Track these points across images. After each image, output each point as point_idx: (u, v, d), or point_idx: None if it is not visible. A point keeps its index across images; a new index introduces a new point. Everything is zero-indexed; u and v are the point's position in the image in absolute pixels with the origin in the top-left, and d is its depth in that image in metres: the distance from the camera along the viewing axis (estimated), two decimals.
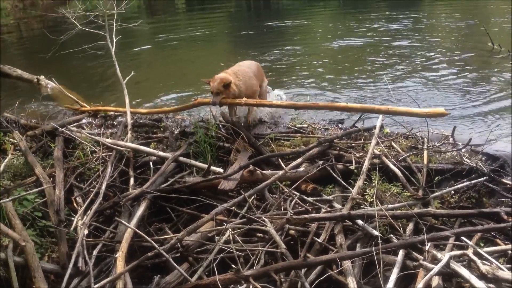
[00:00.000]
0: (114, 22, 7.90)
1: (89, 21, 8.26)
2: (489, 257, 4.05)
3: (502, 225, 4.48)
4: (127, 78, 7.50)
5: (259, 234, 4.93)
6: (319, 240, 4.66)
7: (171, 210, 5.54)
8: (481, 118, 7.73)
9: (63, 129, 6.68)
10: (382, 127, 6.27)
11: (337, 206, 5.12)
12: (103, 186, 5.59)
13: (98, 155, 6.20)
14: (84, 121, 7.42)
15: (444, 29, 15.84)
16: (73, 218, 5.30)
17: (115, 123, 7.40)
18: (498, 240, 4.58)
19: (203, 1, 31.12)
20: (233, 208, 5.06)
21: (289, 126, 7.09)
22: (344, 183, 5.44)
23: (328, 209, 5.09)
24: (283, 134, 6.70)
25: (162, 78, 11.79)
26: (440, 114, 5.37)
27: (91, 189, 5.71)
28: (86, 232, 5.00)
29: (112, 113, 7.45)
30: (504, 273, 3.77)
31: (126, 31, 8.26)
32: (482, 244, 4.54)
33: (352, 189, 5.23)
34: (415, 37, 14.79)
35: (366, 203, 5.08)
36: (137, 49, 15.41)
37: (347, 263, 4.24)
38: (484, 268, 3.83)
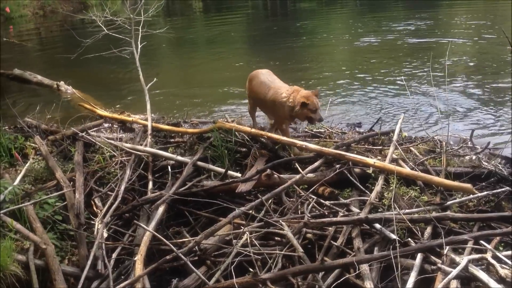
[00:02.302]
0: (140, 28, 7.97)
1: (110, 26, 8.34)
2: (508, 261, 4.03)
3: None
4: (149, 85, 7.55)
5: (276, 238, 4.93)
6: (336, 244, 4.66)
7: (189, 213, 5.58)
8: (499, 121, 7.67)
9: (83, 133, 6.77)
10: (400, 130, 6.25)
11: (355, 210, 5.11)
12: (122, 189, 5.65)
13: (117, 160, 6.27)
14: (104, 125, 7.50)
15: (463, 30, 15.73)
16: (93, 222, 5.37)
17: (135, 127, 7.47)
18: None
19: (220, 1, 31.25)
20: (251, 211, 5.08)
21: (306, 130, 7.10)
22: (362, 187, 5.43)
23: (346, 212, 5.08)
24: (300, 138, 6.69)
25: (181, 84, 11.90)
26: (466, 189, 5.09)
27: (111, 193, 5.77)
28: (105, 235, 5.07)
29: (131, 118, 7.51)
30: None
31: (148, 36, 8.30)
32: (501, 248, 4.49)
33: (370, 193, 5.22)
34: (433, 37, 14.74)
35: (383, 207, 5.06)
36: (157, 55, 15.59)
37: (364, 267, 4.23)
38: (503, 271, 3.81)
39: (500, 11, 19.95)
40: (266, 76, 6.68)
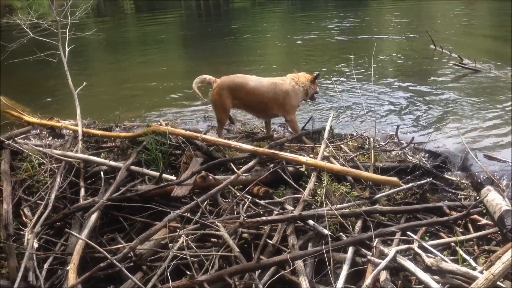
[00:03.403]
0: (67, 31, 7.76)
1: (36, 29, 8.08)
2: (434, 250, 4.23)
3: (445, 218, 4.67)
4: (78, 89, 7.37)
5: (213, 239, 4.95)
6: (271, 242, 4.72)
7: (124, 219, 5.48)
8: (423, 117, 8.02)
9: (10, 141, 6.53)
10: (331, 128, 6.43)
11: (289, 207, 5.20)
12: (52, 197, 5.51)
13: (47, 167, 6.10)
14: (33, 132, 7.26)
15: (389, 29, 16.33)
16: (22, 232, 5.19)
17: (65, 133, 7.29)
18: (442, 234, 4.78)
19: (152, 1, 30.86)
20: (186, 214, 5.06)
21: (240, 131, 7.16)
22: (295, 185, 5.54)
23: (280, 211, 5.16)
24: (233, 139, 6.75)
25: (113, 87, 11.68)
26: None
27: (40, 202, 5.61)
28: (36, 245, 4.92)
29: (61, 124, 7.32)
30: (448, 265, 3.93)
31: (76, 38, 8.09)
32: (427, 238, 4.72)
33: (303, 190, 5.33)
34: (361, 35, 15.21)
35: (316, 204, 5.19)
36: (87, 56, 15.21)
37: (299, 263, 4.31)
38: (428, 260, 3.98)
39: (424, 11, 20.88)
40: (253, 78, 6.73)
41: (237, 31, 19.35)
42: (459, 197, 5.34)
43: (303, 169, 5.70)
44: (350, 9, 21.55)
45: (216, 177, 5.68)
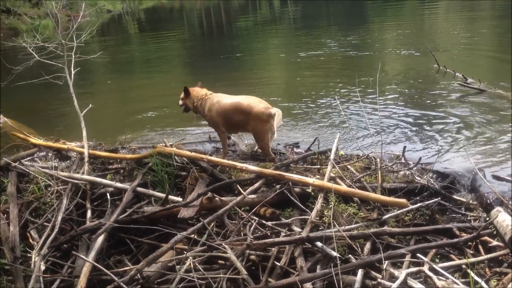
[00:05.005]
0: (73, 53, 7.82)
1: (42, 52, 8.14)
2: (445, 273, 4.19)
3: (455, 240, 4.65)
4: (84, 111, 7.38)
5: (220, 261, 4.92)
6: (279, 264, 4.69)
7: (130, 241, 5.47)
8: (429, 137, 8.01)
9: (16, 163, 6.54)
10: (336, 149, 6.42)
11: (296, 229, 5.18)
12: (59, 219, 5.49)
13: (53, 189, 6.09)
14: (39, 154, 7.27)
15: (393, 48, 16.43)
16: (29, 255, 5.18)
17: (71, 155, 7.29)
18: (452, 256, 4.74)
19: (155, 22, 31.11)
20: (193, 235, 5.05)
21: (244, 152, 7.16)
22: (302, 206, 5.52)
23: (288, 232, 5.13)
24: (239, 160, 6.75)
25: (118, 108, 11.73)
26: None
27: (47, 224, 5.59)
28: (43, 268, 4.89)
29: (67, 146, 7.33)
30: None
31: (81, 60, 8.15)
32: (437, 260, 4.68)
33: (310, 211, 5.31)
34: (365, 52, 15.31)
35: (324, 225, 5.15)
36: (92, 77, 15.32)
37: (308, 286, 4.28)
38: (440, 283, 3.95)
39: (427, 28, 21.02)
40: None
41: (240, 50, 19.50)
42: (468, 218, 5.30)
43: (309, 190, 5.69)
44: (352, 27, 21.74)
45: (223, 198, 5.67)
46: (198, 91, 7.14)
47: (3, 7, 32.82)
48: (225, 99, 6.93)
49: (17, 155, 6.88)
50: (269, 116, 6.48)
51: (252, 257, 4.91)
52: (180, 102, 7.33)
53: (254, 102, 6.63)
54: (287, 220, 5.34)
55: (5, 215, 5.60)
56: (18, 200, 5.96)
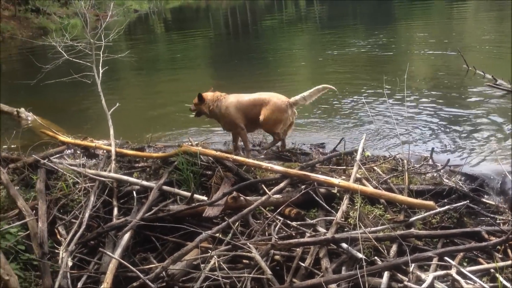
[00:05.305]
0: (101, 53, 7.92)
1: (71, 51, 8.26)
2: (473, 276, 4.13)
3: (484, 244, 4.55)
4: (112, 110, 7.46)
5: (244, 261, 4.92)
6: (304, 265, 4.67)
7: (156, 239, 5.51)
8: (458, 138, 7.89)
9: (45, 161, 6.65)
10: (363, 150, 6.37)
11: (321, 230, 5.15)
12: (86, 216, 5.57)
13: (81, 186, 6.18)
14: (67, 151, 7.38)
15: (420, 48, 16.22)
16: (57, 251, 5.26)
17: (98, 153, 7.39)
18: (480, 259, 4.65)
19: (181, 22, 31.35)
20: (218, 235, 5.07)
21: (271, 152, 7.16)
22: (327, 207, 5.49)
23: (313, 233, 5.11)
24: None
25: (145, 107, 11.83)
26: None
27: (75, 220, 5.67)
28: (70, 264, 4.96)
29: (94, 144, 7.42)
30: None
31: (109, 59, 8.25)
32: (465, 264, 4.60)
33: (336, 212, 5.28)
34: (393, 53, 15.14)
35: (349, 226, 5.12)
36: (119, 76, 15.49)
37: (333, 287, 4.26)
38: (467, 287, 3.88)
39: (455, 28, 20.70)
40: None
41: (265, 49, 19.49)
42: (497, 221, 5.20)
43: (335, 190, 5.65)
44: (379, 27, 21.53)
45: (247, 198, 5.67)
46: (212, 95, 7.24)
47: (33, 6, 33.44)
48: (244, 96, 7.20)
49: (46, 153, 6.99)
50: (287, 107, 6.92)
51: (277, 257, 4.90)
52: (193, 107, 7.41)
53: (274, 95, 7.09)
54: (312, 221, 5.32)
55: (34, 211, 5.69)
56: (47, 196, 6.06)
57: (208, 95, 7.25)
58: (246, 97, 7.15)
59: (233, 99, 7.14)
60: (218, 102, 7.13)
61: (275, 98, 7.00)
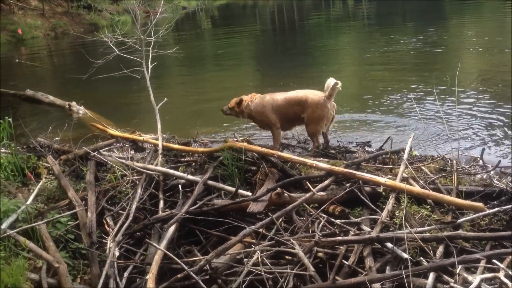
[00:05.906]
0: (150, 48, 8.08)
1: (121, 47, 8.45)
2: None
3: None
4: (159, 104, 7.59)
5: (287, 257, 4.92)
6: (347, 263, 4.64)
7: (200, 232, 5.58)
8: (509, 139, 7.65)
9: (95, 153, 6.84)
10: (410, 149, 6.26)
11: (366, 229, 5.10)
12: (133, 208, 5.70)
13: (129, 179, 6.32)
14: (116, 144, 7.56)
15: (472, 46, 15.80)
16: (105, 241, 5.41)
17: (146, 147, 7.54)
18: None
19: (228, 18, 31.55)
20: (261, 230, 5.09)
21: (316, 150, 7.13)
22: (372, 206, 5.42)
23: (357, 231, 5.07)
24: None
25: (191, 102, 11.99)
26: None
27: (122, 212, 5.81)
28: (117, 254, 5.09)
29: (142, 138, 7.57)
30: None
31: (158, 54, 8.41)
32: None
33: (381, 211, 5.21)
34: (442, 51, 14.80)
35: (395, 226, 5.04)
36: (166, 71, 15.73)
37: (377, 286, 4.21)
38: None
39: (508, 26, 20.02)
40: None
41: (311, 46, 19.40)
42: None
43: (380, 189, 5.57)
44: (429, 24, 21.05)
45: (291, 194, 5.67)
46: (247, 98, 7.36)
47: (84, 3, 34.38)
48: (279, 95, 7.26)
49: (96, 145, 7.19)
50: (326, 102, 6.91)
51: (320, 254, 4.88)
52: (226, 109, 7.55)
53: (309, 92, 7.10)
54: (356, 219, 5.26)
55: (83, 201, 5.87)
56: (96, 188, 6.23)
57: (247, 98, 7.35)
58: (281, 96, 7.19)
59: (268, 99, 7.21)
60: (251, 102, 7.25)
61: (312, 95, 7.01)
